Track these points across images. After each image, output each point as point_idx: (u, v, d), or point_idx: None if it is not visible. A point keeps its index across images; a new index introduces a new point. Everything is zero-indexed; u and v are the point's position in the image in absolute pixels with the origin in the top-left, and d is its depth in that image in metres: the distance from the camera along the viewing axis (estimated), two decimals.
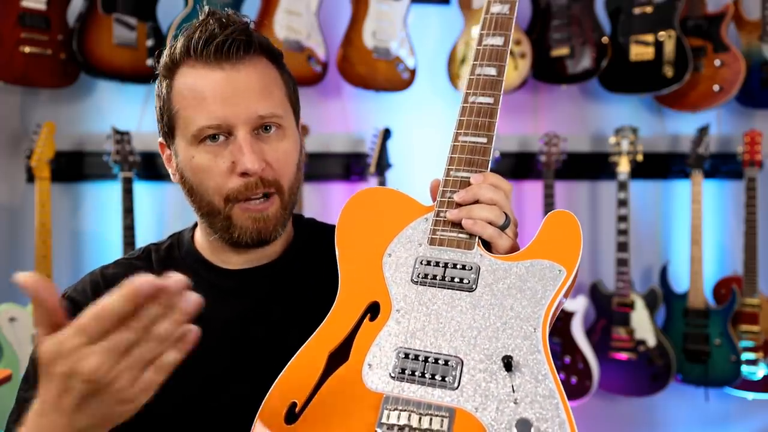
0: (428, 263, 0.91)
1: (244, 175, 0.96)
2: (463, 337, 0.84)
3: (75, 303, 1.04)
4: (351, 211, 1.00)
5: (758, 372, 2.80)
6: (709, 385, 2.87)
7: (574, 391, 2.76)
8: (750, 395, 2.89)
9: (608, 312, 2.86)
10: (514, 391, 0.79)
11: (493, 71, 1.01)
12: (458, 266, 0.90)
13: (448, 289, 0.89)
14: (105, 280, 1.06)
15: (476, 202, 0.93)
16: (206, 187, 0.98)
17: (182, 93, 0.98)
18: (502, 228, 0.92)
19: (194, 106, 0.96)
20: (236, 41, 0.96)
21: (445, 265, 0.90)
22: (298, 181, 1.05)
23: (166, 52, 1.00)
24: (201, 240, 1.10)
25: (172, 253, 1.10)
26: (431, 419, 0.79)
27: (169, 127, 1.01)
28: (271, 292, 1.06)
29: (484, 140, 0.97)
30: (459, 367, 0.82)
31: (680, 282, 3.02)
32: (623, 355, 2.82)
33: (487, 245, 0.93)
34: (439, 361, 0.83)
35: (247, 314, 1.04)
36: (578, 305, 2.81)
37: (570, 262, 0.88)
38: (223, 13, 0.99)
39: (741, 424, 3.20)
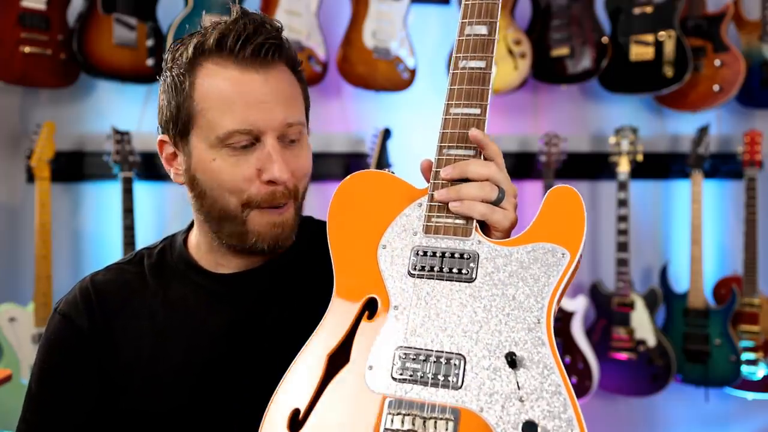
0: (424, 254, 0.87)
1: (270, 183, 0.94)
2: (465, 333, 0.81)
3: (68, 319, 1.02)
4: (341, 200, 0.95)
5: (758, 372, 2.80)
6: (709, 385, 2.86)
7: (574, 392, 2.76)
8: (750, 395, 2.88)
9: (608, 312, 2.86)
10: (519, 388, 0.76)
11: (484, 30, 0.91)
12: (456, 255, 0.85)
13: (446, 281, 0.85)
14: (95, 287, 1.04)
15: (466, 178, 0.88)
16: (223, 191, 0.95)
17: (209, 92, 0.93)
18: (496, 203, 0.86)
19: (223, 108, 0.92)
20: (273, 45, 0.93)
21: (443, 255, 0.86)
22: (306, 189, 1.04)
23: (190, 45, 0.95)
24: (195, 243, 1.07)
25: (164, 258, 1.08)
26: (436, 422, 0.76)
27: (184, 124, 0.96)
28: (268, 295, 1.04)
29: (478, 111, 0.90)
30: (462, 365, 0.79)
31: (680, 282, 3.01)
32: (623, 355, 2.82)
33: (485, 227, 0.88)
34: (441, 360, 0.80)
35: (242, 318, 1.02)
36: (578, 305, 2.81)
37: (574, 244, 0.83)
38: (257, 14, 0.95)
39: (741, 424, 3.20)
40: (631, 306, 2.81)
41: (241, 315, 1.02)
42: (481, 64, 0.91)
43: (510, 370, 0.78)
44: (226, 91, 0.92)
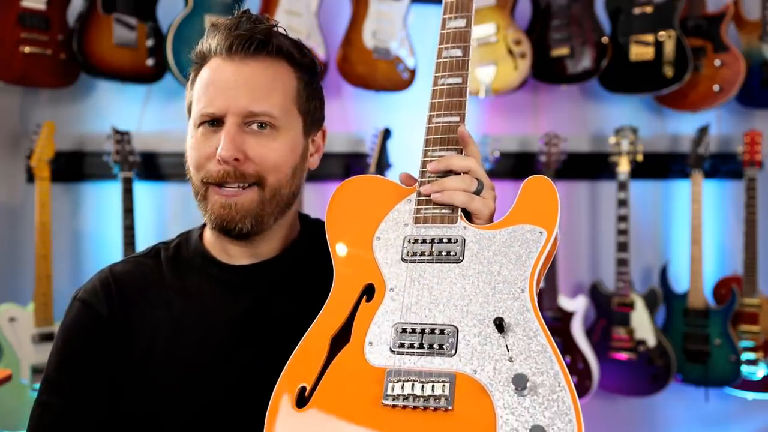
0: (415, 241, 0.96)
1: (220, 162, 1.00)
2: (456, 306, 0.89)
3: (88, 305, 1.06)
4: (338, 201, 1.04)
5: (758, 372, 2.80)
6: (709, 385, 2.87)
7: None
8: (750, 395, 2.89)
9: (608, 312, 2.86)
10: (508, 350, 0.83)
11: (458, 53, 1.04)
12: (444, 240, 0.94)
13: (436, 263, 0.93)
14: (114, 276, 1.08)
15: (451, 171, 0.97)
16: (193, 168, 1.04)
17: (199, 81, 1.04)
18: (476, 193, 0.96)
19: (201, 93, 1.03)
20: (253, 39, 1.01)
21: (432, 241, 0.95)
22: (290, 186, 1.06)
23: (200, 43, 1.06)
24: (208, 236, 1.12)
25: (180, 252, 1.13)
26: (433, 386, 0.82)
27: (189, 112, 1.08)
28: (277, 287, 1.09)
29: (457, 118, 1.00)
30: (455, 335, 0.86)
31: (680, 282, 3.02)
32: (623, 355, 2.82)
33: (469, 216, 0.97)
34: (435, 331, 0.87)
35: (254, 308, 1.06)
36: (578, 305, 2.81)
37: (549, 224, 0.92)
38: (255, 15, 1.05)
39: (741, 424, 3.20)
40: (631, 306, 2.82)
41: (253, 304, 1.07)
42: (458, 80, 1.03)
43: (499, 335, 0.85)
44: (206, 78, 1.03)
